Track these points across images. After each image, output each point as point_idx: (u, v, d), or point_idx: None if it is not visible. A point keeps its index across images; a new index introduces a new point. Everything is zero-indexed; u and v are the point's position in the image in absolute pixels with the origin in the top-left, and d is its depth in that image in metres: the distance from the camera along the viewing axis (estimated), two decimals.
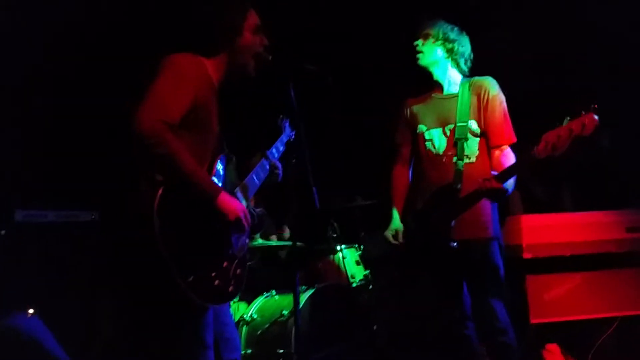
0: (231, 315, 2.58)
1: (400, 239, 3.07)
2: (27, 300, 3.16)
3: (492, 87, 3.05)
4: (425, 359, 3.89)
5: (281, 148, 2.88)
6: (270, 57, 2.49)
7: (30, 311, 3.05)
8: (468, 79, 3.13)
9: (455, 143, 3.00)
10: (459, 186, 2.92)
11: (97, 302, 3.56)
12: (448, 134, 3.04)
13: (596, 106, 2.53)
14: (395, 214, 3.15)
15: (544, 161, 2.65)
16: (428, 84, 3.19)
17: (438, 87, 3.17)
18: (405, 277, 3.24)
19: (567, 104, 2.64)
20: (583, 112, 2.55)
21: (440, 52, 3.10)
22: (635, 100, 4.43)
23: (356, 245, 4.61)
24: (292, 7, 4.67)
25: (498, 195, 2.82)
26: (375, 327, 4.04)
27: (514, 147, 3.01)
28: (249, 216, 2.31)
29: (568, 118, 2.59)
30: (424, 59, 3.12)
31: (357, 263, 4.55)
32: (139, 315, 3.19)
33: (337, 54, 4.83)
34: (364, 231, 4.72)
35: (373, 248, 4.51)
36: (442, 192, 2.97)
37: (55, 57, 4.09)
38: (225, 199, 2.22)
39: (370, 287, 4.41)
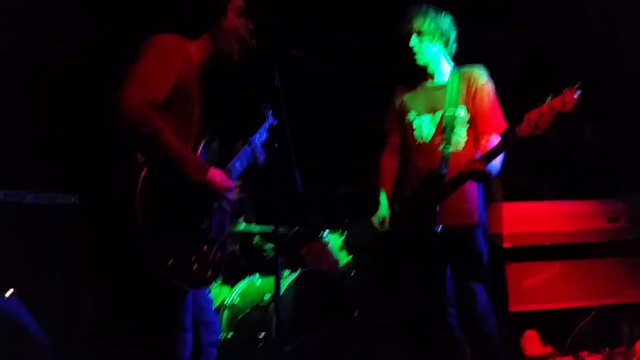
0: (210, 300, 2.59)
1: (387, 226, 3.08)
2: (6, 281, 3.14)
3: (481, 76, 3.07)
4: (407, 346, 3.92)
5: (264, 135, 2.86)
6: (254, 41, 2.47)
7: (9, 292, 3.02)
8: (458, 68, 3.14)
9: (443, 130, 3.01)
10: (444, 172, 2.94)
11: (77, 285, 3.55)
12: (436, 121, 3.05)
13: (579, 84, 2.56)
14: (383, 201, 3.16)
15: (527, 139, 2.68)
16: (417, 72, 3.18)
17: (429, 75, 3.16)
18: (390, 263, 3.26)
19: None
20: (565, 90, 2.57)
21: (436, 48, 3.08)
22: (621, 92, 4.47)
23: (340, 231, 4.62)
24: None
25: (482, 177, 2.83)
26: (356, 313, 4.05)
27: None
28: (234, 189, 2.32)
29: (550, 97, 2.61)
30: (422, 59, 3.10)
31: (341, 249, 4.56)
32: (118, 298, 3.19)
33: (324, 40, 4.81)
34: (348, 217, 4.72)
35: (358, 234, 4.52)
36: (428, 178, 2.99)
37: (32, 40, 4.03)
38: (214, 173, 2.22)
39: (353, 273, 4.43)
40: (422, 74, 3.17)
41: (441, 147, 3.00)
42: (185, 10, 2.42)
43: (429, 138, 3.06)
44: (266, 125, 2.87)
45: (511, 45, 5.00)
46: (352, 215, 4.68)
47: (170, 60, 2.20)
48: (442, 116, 3.03)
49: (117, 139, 2.18)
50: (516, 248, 3.74)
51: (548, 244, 3.78)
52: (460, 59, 3.19)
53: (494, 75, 3.12)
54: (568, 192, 4.33)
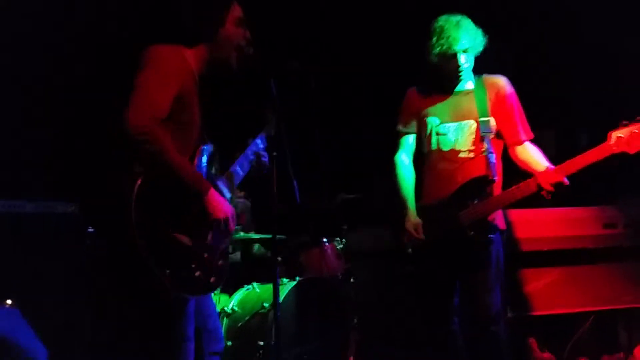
0: (214, 307, 2.59)
1: (422, 234, 2.97)
2: (5, 291, 3.14)
3: (506, 84, 3.05)
4: (407, 353, 3.91)
5: (265, 143, 2.85)
6: (252, 51, 2.48)
7: (9, 302, 3.02)
8: (478, 75, 3.08)
9: (482, 139, 2.96)
10: (495, 178, 2.89)
11: (76, 294, 3.54)
12: (466, 130, 3.00)
13: None
14: (412, 206, 3.04)
15: (616, 156, 2.69)
16: (433, 76, 3.09)
17: (454, 81, 3.05)
18: (411, 270, 3.11)
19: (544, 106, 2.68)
20: None
21: (473, 59, 3.03)
22: (612, 98, 4.49)
23: (338, 239, 4.62)
24: (276, 3, 4.67)
25: (560, 191, 2.77)
26: (355, 321, 4.05)
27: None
28: (235, 218, 2.32)
29: (638, 117, 2.63)
30: (467, 74, 3.04)
31: (339, 256, 4.56)
32: (118, 307, 3.18)
33: (321, 49, 4.83)
34: (347, 224, 4.72)
35: (358, 242, 4.51)
36: (472, 186, 2.92)
37: (32, 50, 4.05)
38: (214, 196, 2.23)
39: (352, 280, 4.43)
40: (442, 79, 3.07)
41: (484, 153, 2.93)
42: (184, 20, 2.43)
43: (460, 145, 2.99)
44: (267, 132, 2.85)
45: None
46: (351, 222, 4.69)
47: (171, 73, 2.22)
48: (478, 124, 2.98)
49: (115, 148, 2.20)
50: (515, 254, 3.74)
51: (546, 249, 3.79)
52: None
53: None
54: (564, 198, 4.34)
